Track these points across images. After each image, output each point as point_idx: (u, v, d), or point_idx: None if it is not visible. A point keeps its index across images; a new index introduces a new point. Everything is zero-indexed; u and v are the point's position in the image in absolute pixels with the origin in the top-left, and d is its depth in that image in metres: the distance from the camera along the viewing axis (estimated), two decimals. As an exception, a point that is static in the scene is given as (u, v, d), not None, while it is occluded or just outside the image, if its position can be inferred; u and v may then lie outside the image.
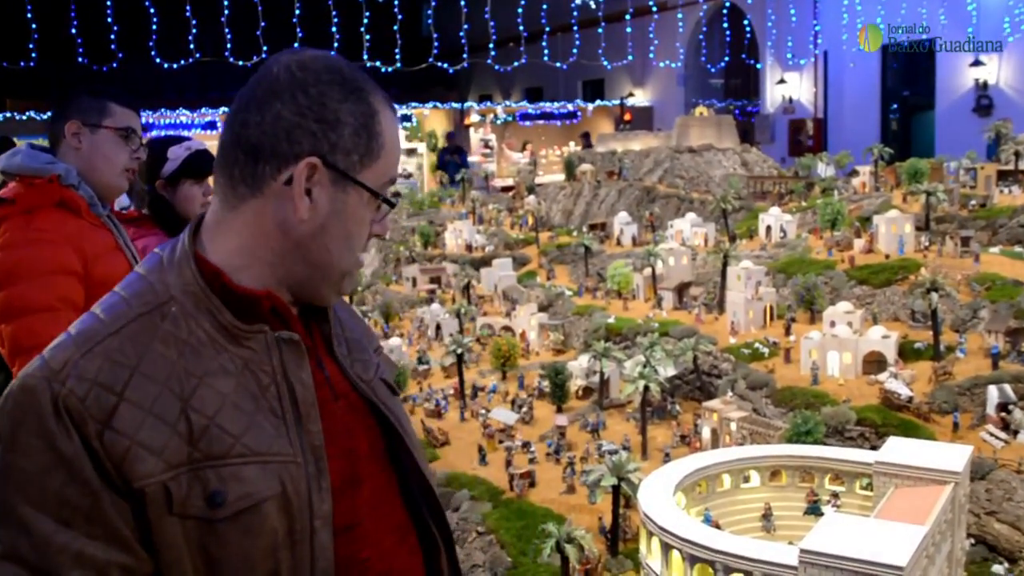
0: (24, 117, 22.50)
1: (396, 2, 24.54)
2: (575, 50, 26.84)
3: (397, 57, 24.45)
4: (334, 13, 23.56)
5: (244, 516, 1.47)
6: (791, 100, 26.07)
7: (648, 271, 11.22)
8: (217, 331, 1.55)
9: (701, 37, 28.10)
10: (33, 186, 3.20)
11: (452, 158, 23.84)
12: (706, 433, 7.73)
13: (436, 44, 25.25)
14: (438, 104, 28.43)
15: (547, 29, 26.51)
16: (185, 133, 18.19)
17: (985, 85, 21.20)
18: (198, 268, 1.59)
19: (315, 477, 1.55)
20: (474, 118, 28.16)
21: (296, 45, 23.03)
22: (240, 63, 23.02)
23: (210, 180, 4.29)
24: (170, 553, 1.46)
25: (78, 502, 1.42)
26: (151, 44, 22.34)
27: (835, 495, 6.27)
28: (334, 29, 23.61)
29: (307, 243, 1.60)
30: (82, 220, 3.26)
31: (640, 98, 30.24)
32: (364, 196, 1.60)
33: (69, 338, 1.51)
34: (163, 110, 23.93)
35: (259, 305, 1.58)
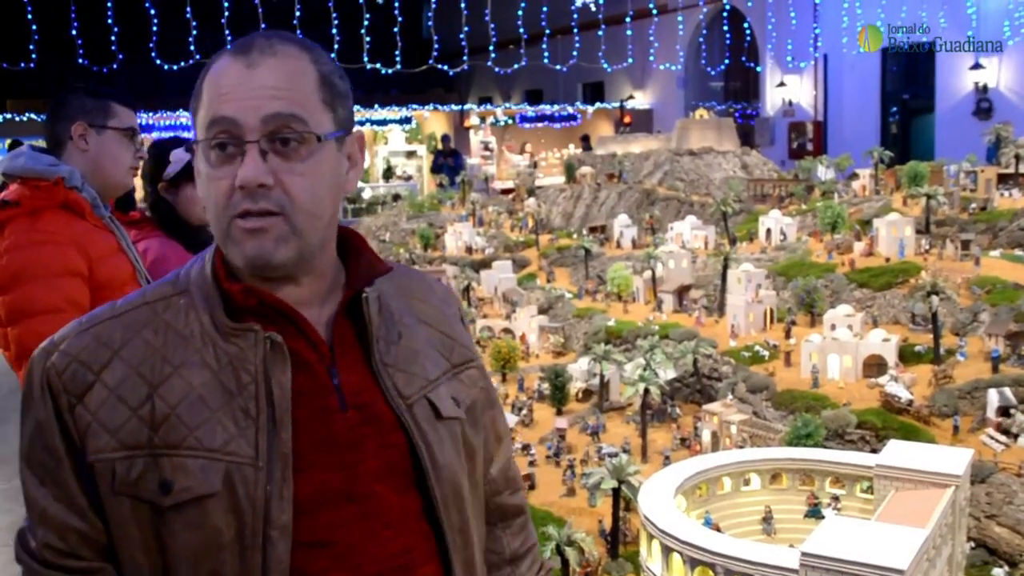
0: (24, 118, 22.49)
1: (396, 4, 24.52)
2: (575, 52, 26.86)
3: (397, 59, 24.45)
4: (334, 15, 23.56)
5: (187, 509, 1.49)
6: (791, 103, 26.09)
7: (648, 274, 11.22)
8: (212, 325, 1.56)
9: (701, 40, 28.14)
10: (39, 188, 3.20)
11: (446, 161, 23.82)
12: (706, 436, 7.73)
13: (436, 46, 25.25)
14: (438, 106, 28.45)
15: (547, 31, 26.52)
16: (186, 135, 18.19)
17: (985, 88, 21.22)
18: (214, 262, 1.61)
19: (278, 484, 1.51)
20: (474, 120, 28.17)
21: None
22: (240, 65, 23.00)
23: None
24: (119, 529, 1.52)
25: (48, 465, 1.53)
26: (151, 46, 22.32)
27: (835, 498, 6.27)
28: (334, 31, 23.61)
29: None
30: (86, 222, 3.27)
31: (640, 101, 30.26)
32: (199, 154, 1.57)
33: (81, 319, 1.61)
34: (163, 111, 23.92)
35: (244, 300, 1.56)
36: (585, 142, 24.83)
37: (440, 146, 25.29)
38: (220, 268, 1.60)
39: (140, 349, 1.54)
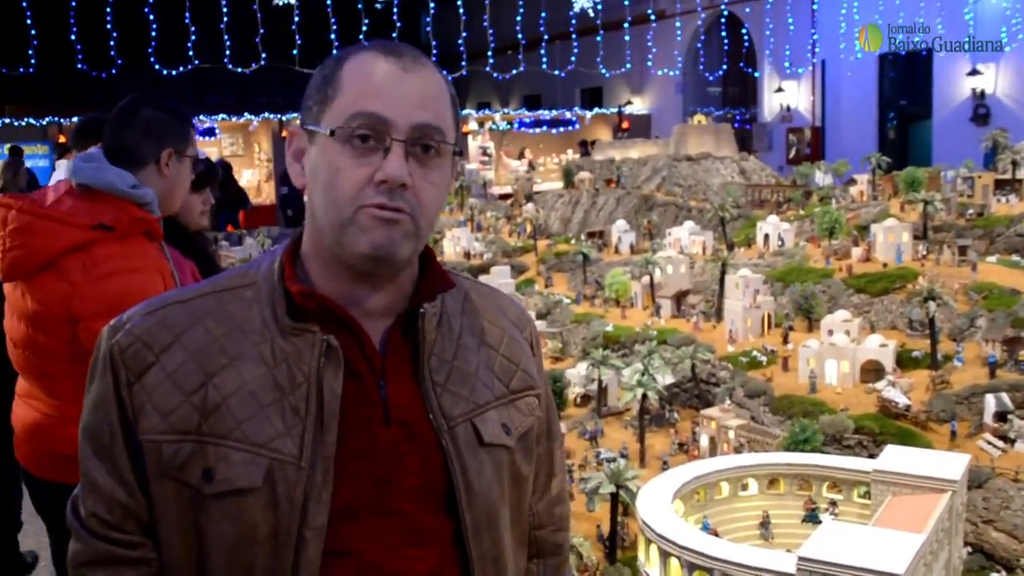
0: (23, 123, 22.50)
1: (395, 9, 24.58)
2: (573, 58, 26.92)
3: (396, 65, 24.45)
4: (333, 20, 23.60)
5: (227, 500, 1.51)
6: (789, 109, 26.13)
7: (646, 279, 11.24)
8: (274, 321, 1.59)
9: (699, 45, 28.17)
10: (135, 218, 3.12)
11: None
12: (704, 441, 7.74)
13: (435, 52, 25.29)
14: (436, 111, 28.39)
15: (545, 37, 26.57)
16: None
17: (982, 94, 21.27)
18: (282, 260, 1.64)
19: (318, 487, 1.52)
20: (472, 126, 28.18)
21: (295, 52, 22.95)
22: (239, 70, 23.06)
23: (209, 190, 4.31)
24: (161, 510, 1.56)
25: (103, 438, 1.59)
26: (150, 51, 22.36)
27: (833, 503, 6.28)
28: (333, 36, 23.65)
29: (312, 209, 1.62)
30: (155, 245, 3.22)
31: (638, 106, 30.29)
32: (329, 141, 1.56)
33: (151, 300, 1.66)
34: (162, 116, 23.88)
35: (303, 302, 1.58)
36: (583, 147, 24.80)
37: None
38: (288, 268, 1.62)
39: (200, 337, 1.56)
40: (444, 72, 1.67)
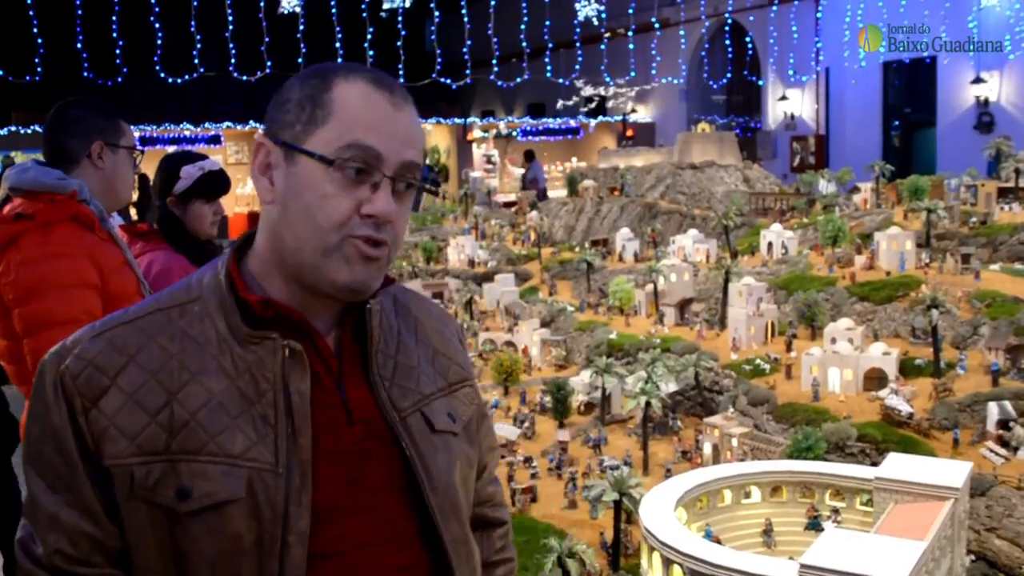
0: (29, 131, 22.59)
1: (399, 18, 24.66)
2: (577, 66, 26.95)
3: (400, 73, 24.53)
4: (338, 29, 23.68)
5: (208, 515, 1.50)
6: (793, 117, 26.16)
7: (650, 287, 11.26)
8: (229, 332, 1.59)
9: (703, 54, 28.24)
10: (53, 202, 3.25)
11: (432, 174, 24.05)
12: (707, 449, 7.75)
13: (439, 60, 25.35)
14: (441, 119, 28.53)
15: (550, 45, 26.62)
16: (188, 147, 18.29)
17: (986, 102, 21.29)
18: (228, 271, 1.64)
19: (296, 491, 1.54)
20: (477, 133, 28.24)
21: (300, 61, 23.05)
22: (244, 78, 23.13)
23: (221, 200, 4.36)
24: (134, 535, 1.53)
25: (61, 470, 1.53)
26: (156, 59, 22.45)
27: (835, 511, 6.29)
28: (338, 45, 23.72)
29: (279, 228, 1.61)
30: (94, 235, 3.32)
31: (642, 114, 30.32)
32: (315, 165, 1.57)
33: (93, 324, 1.62)
34: (167, 124, 24.01)
35: (262, 311, 1.59)
36: (528, 157, 24.43)
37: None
38: (237, 278, 1.64)
39: (157, 355, 1.56)
40: None
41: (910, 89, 24.74)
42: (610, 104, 30.37)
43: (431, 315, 1.91)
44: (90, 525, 1.53)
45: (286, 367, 1.58)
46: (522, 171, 26.60)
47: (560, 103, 30.27)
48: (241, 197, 23.81)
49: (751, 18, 26.19)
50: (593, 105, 30.93)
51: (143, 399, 1.52)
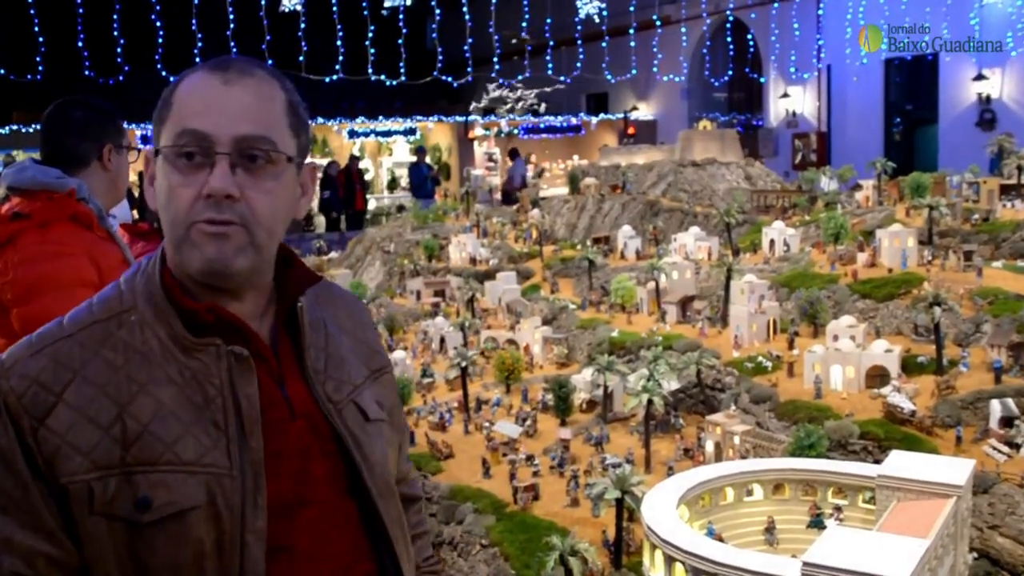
0: (31, 130, 22.61)
1: (401, 16, 24.64)
2: (579, 64, 26.94)
3: (402, 71, 24.55)
4: (339, 27, 23.66)
5: (169, 523, 1.51)
6: (794, 114, 26.14)
7: (652, 285, 11.25)
8: (171, 341, 1.59)
9: (705, 51, 28.22)
10: (51, 200, 3.24)
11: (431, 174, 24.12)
12: (709, 447, 7.75)
13: (440, 58, 25.34)
14: (442, 117, 28.53)
15: (551, 43, 26.60)
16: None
17: (988, 99, 21.27)
18: (162, 279, 1.63)
19: (251, 492, 1.55)
20: (478, 131, 28.23)
21: (301, 59, 23.04)
22: (245, 77, 23.06)
23: None
24: (94, 549, 1.52)
25: (11, 492, 1.50)
26: (157, 57, 22.44)
27: (838, 508, 6.28)
28: (339, 43, 23.71)
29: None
30: (93, 233, 3.32)
31: (644, 112, 30.30)
32: (161, 161, 1.60)
33: (29, 339, 1.60)
34: (168, 123, 23.96)
35: (203, 317, 1.60)
36: (512, 154, 24.82)
37: (415, 157, 25.22)
38: (172, 284, 1.63)
39: (102, 368, 1.55)
40: (283, 79, 1.70)
41: (912, 86, 24.71)
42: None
43: (346, 303, 1.94)
44: (46, 544, 1.52)
45: (233, 372, 1.59)
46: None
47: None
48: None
49: (753, 15, 26.16)
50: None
51: (94, 414, 1.51)
